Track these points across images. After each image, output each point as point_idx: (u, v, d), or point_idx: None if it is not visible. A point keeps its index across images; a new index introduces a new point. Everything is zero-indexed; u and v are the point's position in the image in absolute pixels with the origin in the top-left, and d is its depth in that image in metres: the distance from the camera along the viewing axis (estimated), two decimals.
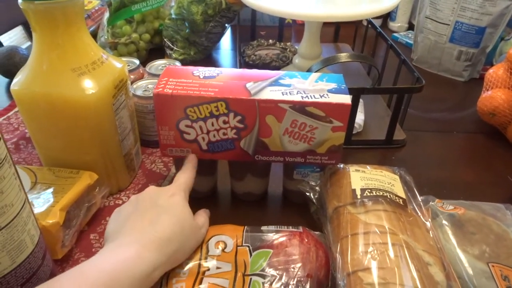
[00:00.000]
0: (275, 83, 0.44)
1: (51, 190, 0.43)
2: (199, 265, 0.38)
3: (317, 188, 0.47)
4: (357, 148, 0.63)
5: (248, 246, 0.40)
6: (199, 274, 0.37)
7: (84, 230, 0.46)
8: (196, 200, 0.44)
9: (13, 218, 0.30)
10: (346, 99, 0.42)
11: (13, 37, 1.35)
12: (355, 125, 0.62)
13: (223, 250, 0.39)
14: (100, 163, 0.48)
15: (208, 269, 0.37)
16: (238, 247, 0.40)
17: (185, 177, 0.43)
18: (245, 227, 0.42)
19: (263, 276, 0.36)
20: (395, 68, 0.69)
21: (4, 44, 1.12)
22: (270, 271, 0.37)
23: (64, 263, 0.42)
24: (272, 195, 0.53)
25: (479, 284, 0.35)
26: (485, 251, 0.38)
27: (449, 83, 0.86)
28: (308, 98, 0.42)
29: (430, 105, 0.77)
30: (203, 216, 0.43)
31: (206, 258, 0.38)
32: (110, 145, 0.48)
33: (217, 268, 0.38)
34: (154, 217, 0.36)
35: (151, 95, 0.56)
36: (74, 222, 0.43)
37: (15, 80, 0.43)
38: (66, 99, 0.42)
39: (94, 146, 0.46)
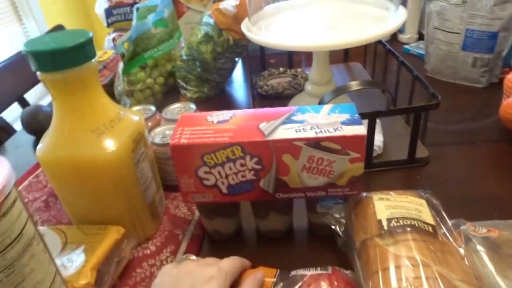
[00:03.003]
0: (288, 120, 0.45)
1: (81, 249, 0.44)
2: None
3: (342, 220, 0.46)
4: (379, 171, 0.62)
5: None
6: None
7: (115, 284, 0.47)
8: (221, 242, 0.44)
9: None
10: (360, 130, 0.42)
11: (37, 89, 1.40)
12: (375, 147, 0.61)
13: None
14: (126, 216, 0.49)
15: None
16: None
17: (230, 263, 0.40)
18: (277, 271, 0.42)
19: None
20: (410, 83, 0.68)
21: (31, 99, 1.18)
22: None
23: None
24: (297, 230, 0.53)
25: None
26: None
27: (468, 90, 0.84)
28: (322, 133, 0.42)
29: (450, 116, 0.75)
30: None
31: None
32: (134, 197, 0.49)
33: None
34: None
35: (169, 141, 0.57)
36: (106, 278, 0.44)
37: (39, 146, 0.45)
38: (88, 159, 0.43)
39: (119, 201, 0.47)
